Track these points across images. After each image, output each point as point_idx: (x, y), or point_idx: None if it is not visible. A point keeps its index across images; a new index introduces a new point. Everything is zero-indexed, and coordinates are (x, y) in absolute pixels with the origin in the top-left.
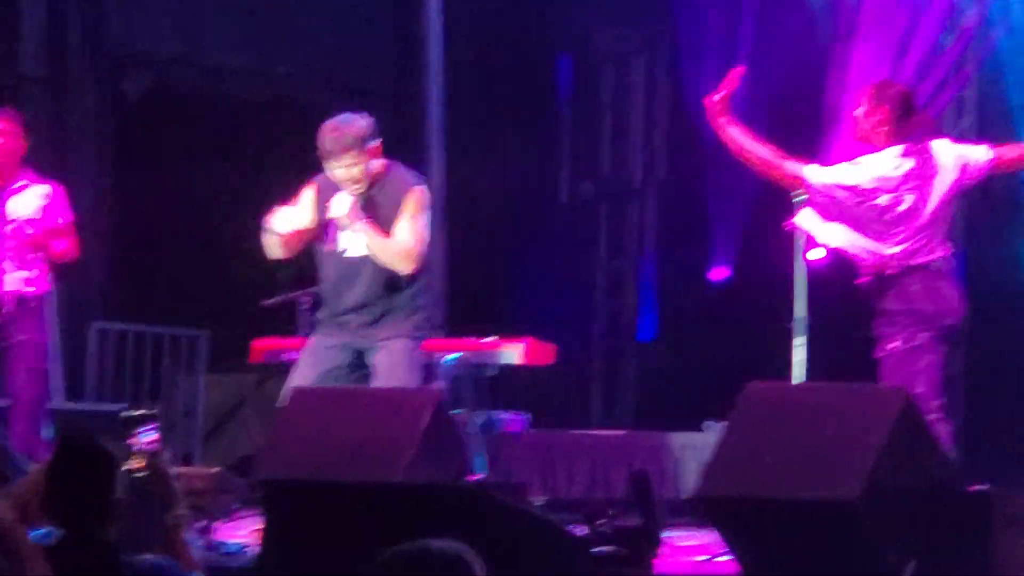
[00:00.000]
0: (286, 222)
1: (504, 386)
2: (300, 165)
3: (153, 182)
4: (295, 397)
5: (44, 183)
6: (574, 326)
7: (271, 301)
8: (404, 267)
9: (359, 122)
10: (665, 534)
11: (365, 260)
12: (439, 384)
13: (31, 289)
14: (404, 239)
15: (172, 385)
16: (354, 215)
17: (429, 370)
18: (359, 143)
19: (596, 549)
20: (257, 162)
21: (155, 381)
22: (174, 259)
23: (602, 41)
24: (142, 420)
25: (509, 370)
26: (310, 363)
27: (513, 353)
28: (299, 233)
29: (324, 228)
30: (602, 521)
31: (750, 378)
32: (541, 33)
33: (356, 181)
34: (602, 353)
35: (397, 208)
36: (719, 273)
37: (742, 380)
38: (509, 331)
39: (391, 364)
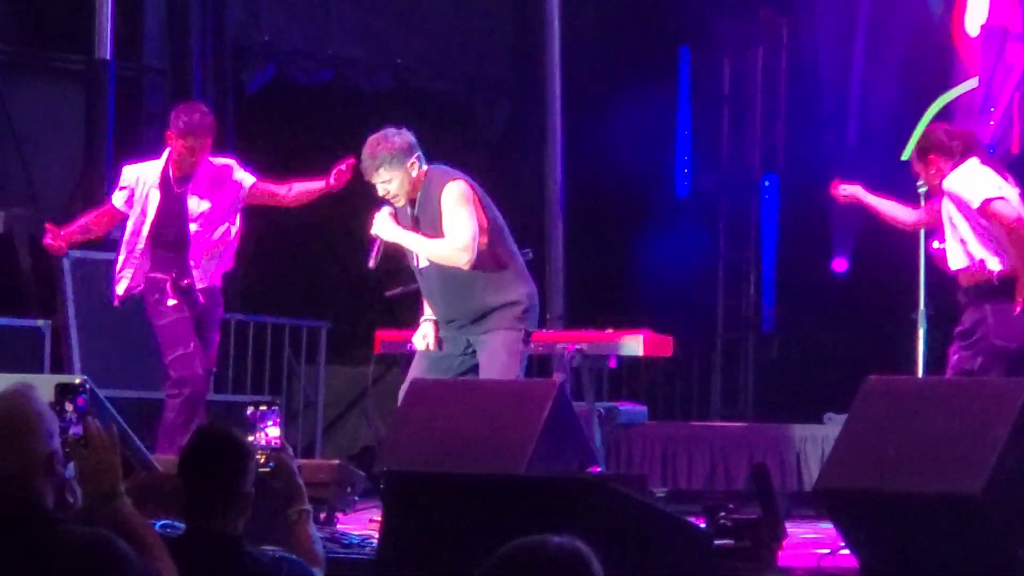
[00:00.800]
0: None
1: (623, 377)
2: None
3: (273, 173)
4: (414, 389)
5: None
6: (694, 317)
7: (394, 292)
8: (460, 261)
9: (393, 139)
10: (787, 527)
11: (434, 270)
12: (559, 376)
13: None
14: (451, 234)
15: (293, 376)
16: (390, 231)
17: (551, 361)
18: (390, 159)
19: (718, 542)
20: None
21: (276, 372)
22: (296, 250)
23: (722, 31)
24: (265, 413)
25: (628, 362)
26: (422, 354)
27: (633, 345)
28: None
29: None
30: (723, 514)
31: (872, 369)
32: (661, 24)
33: (393, 196)
34: (722, 344)
35: (437, 209)
36: (840, 264)
37: (864, 371)
38: (628, 323)
39: (489, 358)
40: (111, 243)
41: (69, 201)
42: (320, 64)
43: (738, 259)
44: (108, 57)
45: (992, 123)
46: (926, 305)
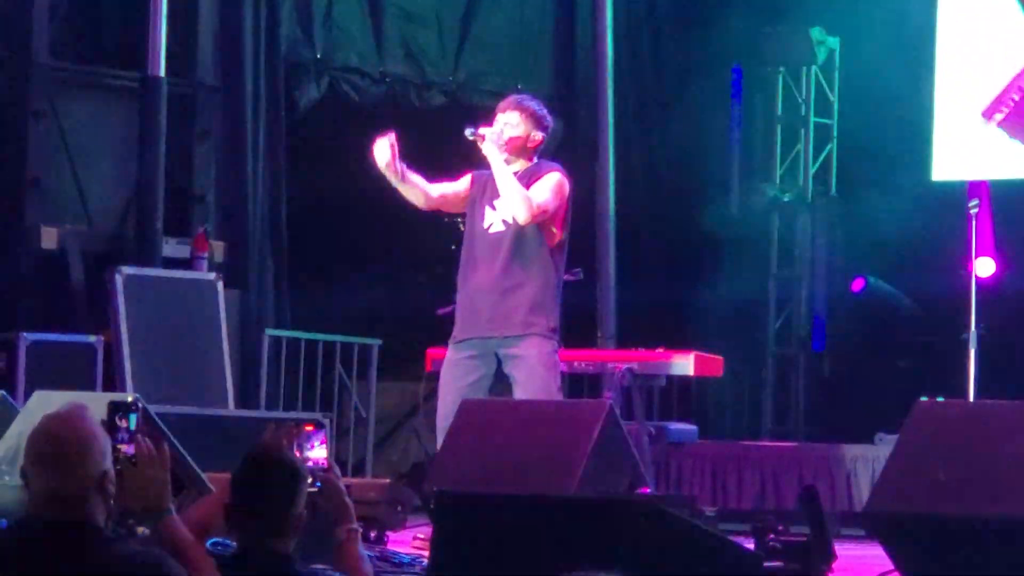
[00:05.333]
0: (384, 152)
1: (674, 397)
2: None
3: (325, 190)
4: (465, 409)
5: None
6: (745, 336)
7: (446, 309)
8: (523, 209)
9: (544, 111)
10: (837, 548)
11: (504, 237)
12: (609, 395)
13: None
14: (532, 191)
15: (345, 393)
16: (491, 147)
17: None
18: (529, 113)
19: (768, 564)
20: (429, 170)
21: (327, 389)
22: (347, 267)
23: (774, 50)
24: (312, 434)
25: (678, 381)
26: (453, 378)
27: (683, 364)
28: (444, 196)
29: (472, 210)
30: (772, 536)
31: (923, 389)
32: (713, 42)
33: (496, 134)
34: (773, 363)
35: (538, 179)
36: (857, 284)
37: (915, 391)
38: (679, 342)
39: (528, 374)
40: (165, 260)
41: (122, 218)
42: (372, 81)
43: (788, 278)
44: (161, 74)
45: None
46: (977, 326)
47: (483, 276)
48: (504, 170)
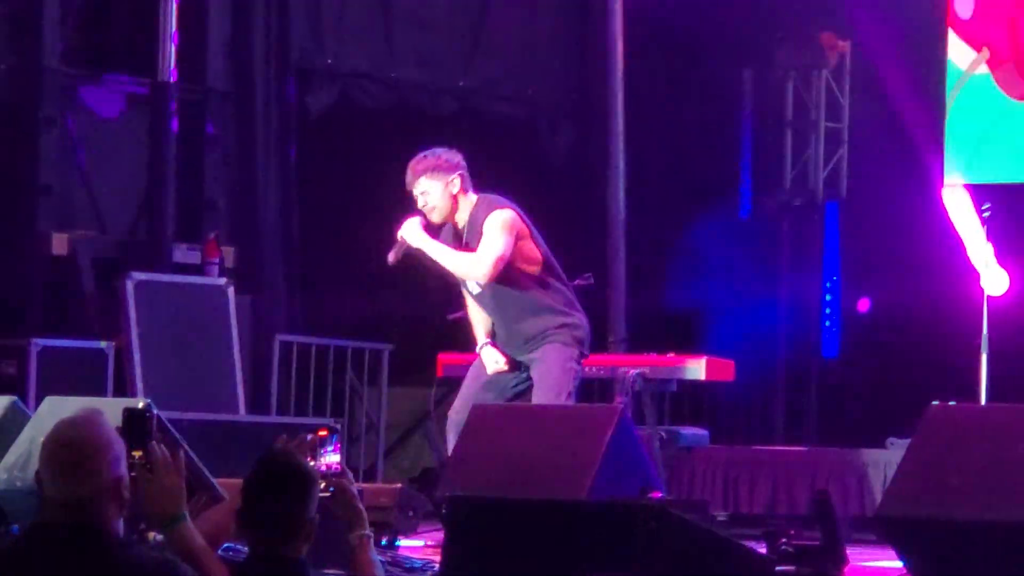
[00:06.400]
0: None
1: (685, 401)
2: (484, 179)
3: (336, 195)
4: (476, 414)
5: None
6: (756, 342)
7: (456, 315)
8: (477, 273)
9: (439, 154)
10: (849, 552)
11: (484, 294)
12: (621, 400)
13: None
14: (478, 250)
15: (355, 399)
16: (415, 236)
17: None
18: (431, 172)
19: (780, 568)
20: None
21: (338, 394)
22: (358, 272)
23: (784, 55)
24: (325, 439)
25: (689, 386)
26: (475, 376)
27: (695, 369)
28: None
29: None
30: (784, 540)
31: (934, 394)
32: (723, 47)
33: (430, 209)
34: (785, 369)
35: (479, 233)
36: (863, 305)
37: (926, 396)
38: (690, 347)
39: (543, 373)
40: (176, 265)
41: (133, 224)
42: (384, 87)
43: (800, 283)
44: (172, 80)
45: None
46: (989, 331)
47: (489, 320)
48: (441, 252)
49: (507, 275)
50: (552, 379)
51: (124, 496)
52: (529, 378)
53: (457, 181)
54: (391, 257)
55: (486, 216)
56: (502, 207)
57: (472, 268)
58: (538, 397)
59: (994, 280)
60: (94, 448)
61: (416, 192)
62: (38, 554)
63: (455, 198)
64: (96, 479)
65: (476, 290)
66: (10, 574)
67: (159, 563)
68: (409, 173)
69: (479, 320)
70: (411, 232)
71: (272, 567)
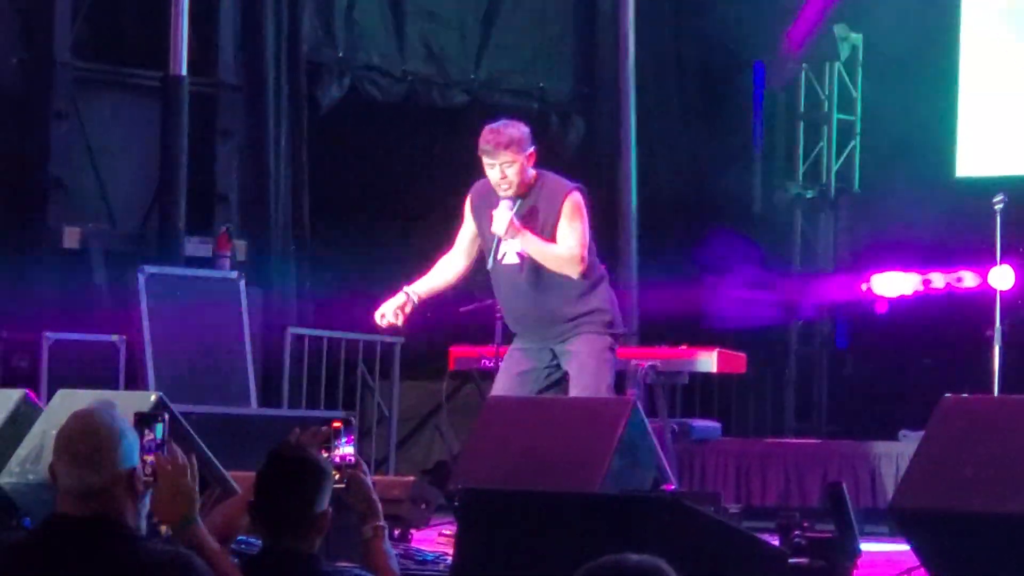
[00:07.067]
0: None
1: (697, 394)
2: None
3: (347, 188)
4: (490, 406)
5: None
6: (768, 334)
7: (468, 308)
8: (572, 271)
9: (519, 127)
10: (861, 544)
11: (521, 267)
12: (633, 392)
13: None
14: (569, 244)
15: (367, 392)
16: (512, 230)
17: (625, 377)
18: (516, 145)
19: (793, 560)
20: (450, 170)
21: (350, 387)
22: (369, 265)
23: (796, 47)
24: (340, 431)
25: (702, 378)
26: (506, 368)
27: (706, 361)
28: (469, 251)
29: (483, 240)
30: (797, 532)
31: (947, 386)
32: (735, 40)
33: (508, 182)
34: (796, 361)
35: (555, 213)
36: (881, 306)
37: (939, 388)
38: (702, 339)
39: (579, 367)
40: (188, 259)
41: (145, 217)
42: (394, 80)
43: (812, 274)
44: (183, 73)
45: None
46: (1001, 322)
47: (517, 301)
48: (536, 245)
49: None
50: (590, 372)
51: (139, 488)
52: (558, 369)
53: (533, 155)
54: (490, 264)
55: (564, 197)
56: (575, 188)
57: (568, 263)
58: (577, 391)
59: (1001, 275)
60: (107, 438)
61: (496, 163)
62: (55, 546)
63: (526, 171)
64: (109, 469)
65: (515, 259)
66: (26, 567)
67: (173, 556)
68: (491, 144)
69: (439, 275)
70: (502, 225)
71: (285, 561)
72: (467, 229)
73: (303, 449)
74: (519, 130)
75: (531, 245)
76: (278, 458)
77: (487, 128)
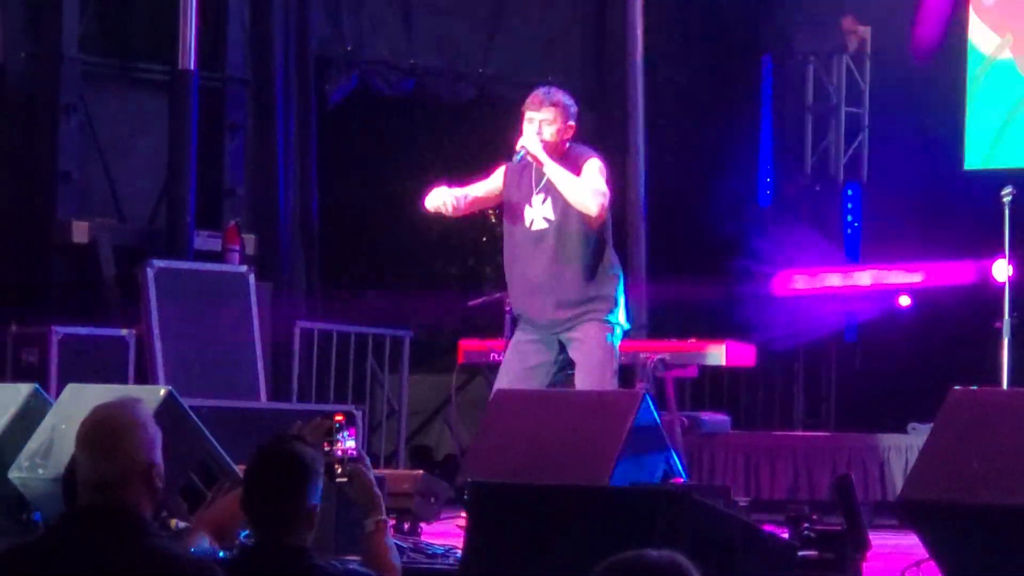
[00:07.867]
0: (440, 200)
1: (706, 387)
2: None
3: (356, 183)
4: (498, 400)
5: None
6: (777, 327)
7: (477, 301)
8: (592, 204)
9: (570, 98)
10: (871, 537)
11: (547, 234)
12: (642, 385)
13: None
14: (592, 178)
15: (376, 385)
16: (535, 145)
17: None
18: (561, 108)
19: (802, 553)
20: (459, 164)
21: (359, 381)
22: (378, 259)
23: (804, 41)
24: (342, 425)
25: (711, 371)
26: (515, 360)
27: (715, 354)
28: (477, 199)
29: (510, 207)
30: (806, 525)
31: (956, 379)
32: (743, 33)
33: (544, 139)
34: (805, 354)
35: (577, 169)
36: (904, 299)
37: (948, 381)
38: (711, 332)
39: (586, 355)
40: (197, 253)
41: (153, 212)
42: (402, 74)
43: (820, 267)
44: (191, 67)
45: None
46: (1010, 315)
47: (532, 272)
48: (560, 172)
49: (578, 218)
50: (597, 362)
51: (156, 486)
52: (566, 358)
53: (572, 126)
54: (515, 159)
55: (586, 159)
56: (598, 154)
57: (589, 196)
58: (582, 377)
59: (1008, 267)
60: (124, 429)
61: (537, 116)
62: (74, 539)
63: (561, 141)
64: (127, 461)
65: (543, 224)
66: (46, 560)
67: (199, 565)
68: (540, 96)
69: (472, 190)
70: (531, 143)
71: (274, 555)
72: (491, 184)
73: (291, 444)
74: (569, 99)
75: (555, 170)
76: (264, 454)
77: (539, 87)
